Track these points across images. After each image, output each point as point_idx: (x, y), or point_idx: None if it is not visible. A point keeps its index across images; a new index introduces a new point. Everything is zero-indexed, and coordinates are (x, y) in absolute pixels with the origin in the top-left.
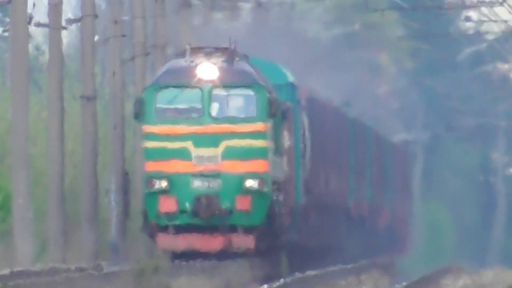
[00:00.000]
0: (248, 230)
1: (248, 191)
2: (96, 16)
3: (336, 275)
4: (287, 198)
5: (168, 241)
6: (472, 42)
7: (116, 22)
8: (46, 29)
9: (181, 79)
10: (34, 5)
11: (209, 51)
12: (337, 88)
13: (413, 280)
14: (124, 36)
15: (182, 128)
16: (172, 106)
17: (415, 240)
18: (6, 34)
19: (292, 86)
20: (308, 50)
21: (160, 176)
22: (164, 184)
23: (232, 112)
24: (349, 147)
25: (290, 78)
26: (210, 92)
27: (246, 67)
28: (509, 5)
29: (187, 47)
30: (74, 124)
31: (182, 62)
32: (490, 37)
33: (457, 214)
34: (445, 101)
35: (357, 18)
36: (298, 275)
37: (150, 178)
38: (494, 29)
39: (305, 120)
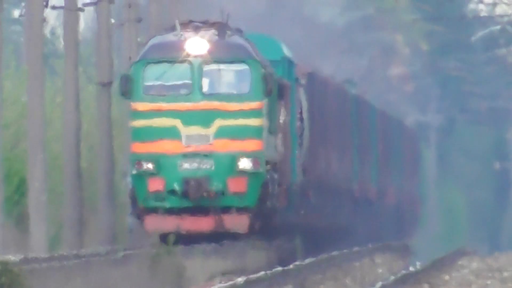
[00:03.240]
0: (241, 211)
1: (242, 172)
2: (111, 1)
3: (350, 258)
4: (282, 178)
5: (157, 223)
6: (485, 25)
7: (130, 6)
8: (61, 13)
9: (170, 54)
10: None
11: (199, 25)
12: (351, 71)
13: (427, 262)
14: (140, 20)
15: (171, 105)
16: (160, 82)
17: (429, 222)
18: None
19: (289, 62)
20: (322, 34)
21: (148, 157)
22: (151, 166)
23: (224, 88)
24: (353, 126)
25: (287, 53)
26: (200, 67)
27: (239, 41)
28: None
29: (176, 21)
30: (89, 106)
31: (170, 37)
32: (504, 19)
33: (471, 197)
34: (459, 83)
35: (371, 2)
36: (311, 258)
37: (137, 159)
38: (507, 12)
39: (303, 97)
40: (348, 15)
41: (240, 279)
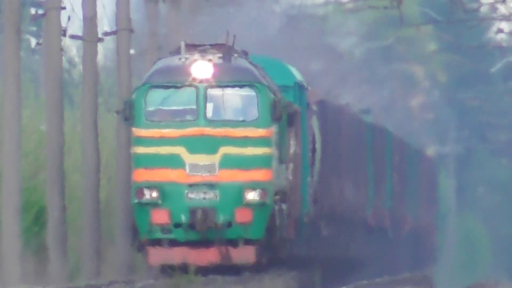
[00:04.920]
0: (248, 243)
1: (249, 204)
2: (131, 30)
3: None
4: (291, 209)
5: (161, 256)
6: (505, 55)
7: (154, 35)
8: (79, 43)
9: (174, 78)
10: (69, 18)
11: (205, 48)
12: (371, 101)
13: None
14: (160, 49)
15: (175, 132)
16: (164, 108)
17: (449, 253)
18: (40, 47)
19: (300, 87)
20: (342, 63)
21: (151, 185)
22: (155, 194)
23: (230, 114)
24: (368, 154)
25: (298, 78)
26: (205, 92)
27: (246, 64)
28: None
29: (181, 43)
30: (108, 137)
31: (175, 60)
32: None
33: (491, 227)
34: (478, 114)
35: (392, 32)
36: None
37: (139, 187)
38: None
39: (315, 124)
40: (368, 44)
41: None
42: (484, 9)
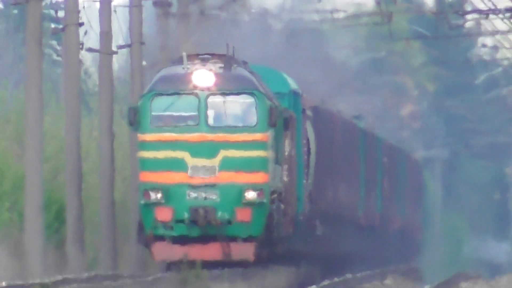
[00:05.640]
0: (247, 240)
1: (248, 203)
2: (143, 43)
3: (362, 280)
4: (288, 208)
5: (165, 251)
6: (488, 68)
7: (163, 48)
8: (94, 55)
9: (177, 86)
10: (86, 32)
11: (206, 58)
12: (365, 109)
13: (434, 284)
14: (169, 61)
15: (178, 137)
16: (167, 114)
17: (434, 247)
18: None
19: (295, 94)
20: (338, 74)
21: (156, 187)
22: (159, 195)
23: (230, 120)
24: (360, 157)
25: (293, 86)
26: (206, 99)
27: (244, 73)
28: None
29: (184, 53)
30: (122, 141)
31: (178, 69)
32: (504, 62)
33: (473, 224)
34: (463, 121)
35: (383, 46)
36: (327, 281)
37: (145, 189)
38: (508, 55)
39: (310, 129)
40: (361, 57)
41: None
42: (469, 25)
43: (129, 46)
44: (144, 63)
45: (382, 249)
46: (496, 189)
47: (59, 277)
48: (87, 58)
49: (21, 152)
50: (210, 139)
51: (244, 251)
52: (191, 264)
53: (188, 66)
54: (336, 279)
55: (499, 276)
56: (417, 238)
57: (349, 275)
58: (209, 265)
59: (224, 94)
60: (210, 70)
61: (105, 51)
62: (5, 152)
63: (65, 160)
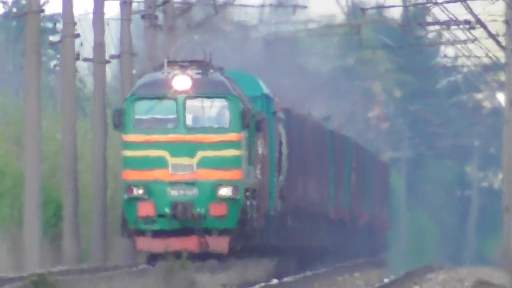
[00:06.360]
0: (222, 233)
1: (222, 198)
2: (133, 53)
3: (333, 273)
4: (261, 203)
5: (147, 244)
6: (449, 74)
7: (152, 57)
8: (89, 64)
9: (157, 90)
10: (81, 44)
11: (185, 64)
12: (336, 113)
13: (400, 275)
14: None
15: (159, 138)
16: (149, 116)
17: (400, 242)
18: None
19: (267, 98)
20: (311, 80)
21: (138, 184)
22: (141, 191)
23: (206, 122)
24: (329, 157)
25: (265, 90)
26: (184, 102)
27: (220, 78)
28: (480, 43)
29: (165, 60)
30: (114, 143)
31: (159, 75)
32: (464, 70)
33: (438, 221)
34: (427, 124)
35: (353, 54)
36: (302, 274)
37: (128, 185)
38: (467, 63)
39: (281, 130)
40: (333, 63)
41: None
42: (431, 35)
43: (119, 56)
44: (134, 71)
45: (351, 243)
46: (458, 187)
47: (55, 269)
48: (82, 67)
49: (21, 153)
50: (188, 140)
51: (219, 243)
52: (177, 255)
53: (168, 72)
54: (309, 273)
55: (460, 267)
56: (384, 233)
57: (322, 269)
58: (188, 257)
59: (200, 97)
60: (188, 75)
61: (99, 61)
62: (6, 153)
63: (61, 160)
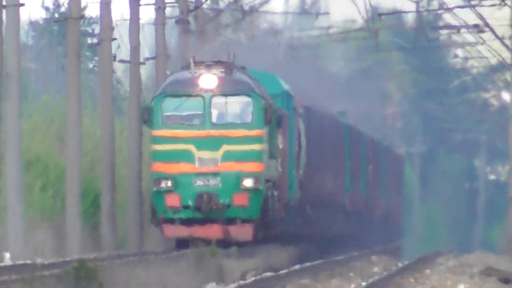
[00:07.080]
0: (245, 222)
1: (245, 189)
2: (167, 56)
3: (352, 259)
4: (281, 194)
5: (173, 231)
6: (459, 75)
7: (185, 59)
8: (125, 65)
9: (185, 89)
10: (118, 46)
11: (210, 64)
12: (352, 111)
13: (413, 260)
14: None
15: (186, 133)
16: (177, 113)
17: (413, 230)
18: (96, 68)
19: (287, 95)
20: (330, 81)
21: (166, 176)
22: (169, 183)
23: (230, 118)
24: (346, 150)
25: (286, 87)
26: (210, 100)
27: (244, 77)
28: (488, 45)
29: (191, 60)
30: (149, 139)
31: (186, 74)
32: (473, 71)
33: (448, 211)
34: (439, 121)
35: (370, 56)
36: (321, 260)
37: (157, 178)
38: (476, 65)
39: (301, 125)
40: (351, 66)
41: (269, 274)
42: (443, 38)
43: (154, 58)
44: (168, 72)
45: (367, 231)
46: (466, 179)
47: (93, 254)
48: (119, 68)
49: (63, 149)
50: (214, 135)
51: (243, 232)
52: (207, 242)
53: (195, 71)
54: (329, 258)
55: (468, 254)
56: (398, 222)
57: (340, 256)
58: (227, 244)
59: (225, 95)
60: (214, 74)
61: (134, 62)
62: (50, 148)
63: (100, 155)
